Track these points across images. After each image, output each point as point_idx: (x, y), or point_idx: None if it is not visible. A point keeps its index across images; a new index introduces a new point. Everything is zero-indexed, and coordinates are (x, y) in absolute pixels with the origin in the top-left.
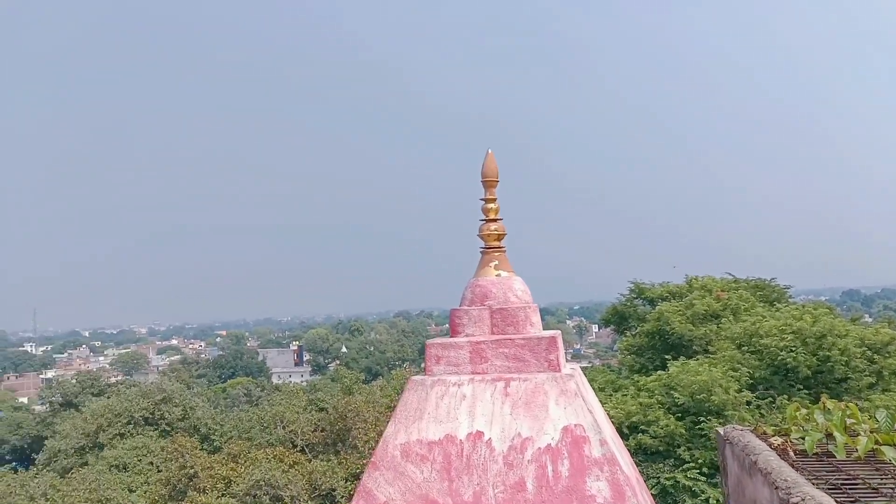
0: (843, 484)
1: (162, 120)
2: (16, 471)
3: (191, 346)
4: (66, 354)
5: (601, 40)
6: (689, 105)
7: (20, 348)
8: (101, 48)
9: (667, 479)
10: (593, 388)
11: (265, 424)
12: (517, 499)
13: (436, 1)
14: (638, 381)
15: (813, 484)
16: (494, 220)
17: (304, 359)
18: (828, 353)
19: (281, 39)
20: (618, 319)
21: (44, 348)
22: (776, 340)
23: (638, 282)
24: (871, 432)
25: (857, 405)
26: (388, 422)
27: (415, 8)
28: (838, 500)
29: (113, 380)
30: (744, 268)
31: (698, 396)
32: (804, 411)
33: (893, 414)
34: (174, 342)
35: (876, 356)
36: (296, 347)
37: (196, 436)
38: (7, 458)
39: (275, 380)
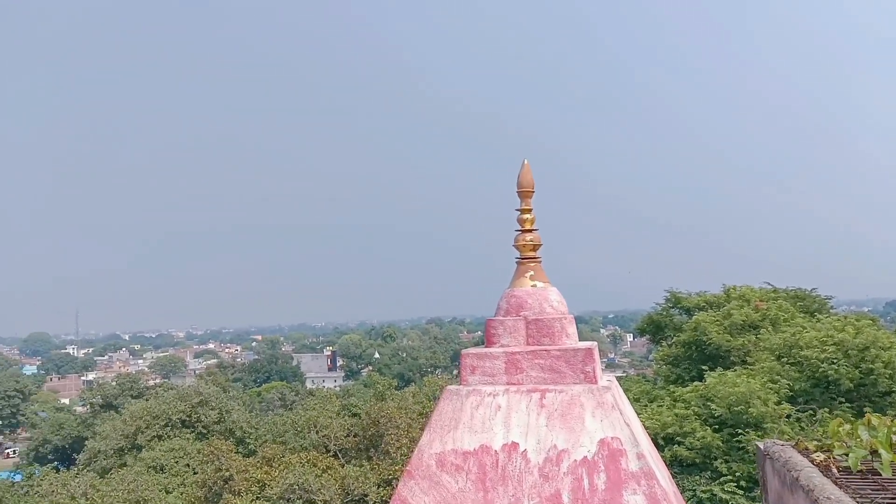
0: (889, 503)
1: (199, 126)
2: (58, 470)
3: (227, 350)
4: (106, 357)
5: (635, 52)
6: (725, 114)
7: (63, 350)
8: (142, 52)
9: (703, 491)
10: (628, 399)
11: (299, 429)
12: None
13: (481, 14)
14: (674, 392)
15: (857, 503)
16: (530, 231)
17: (338, 364)
18: (871, 366)
19: (328, 48)
20: (653, 329)
21: (85, 351)
22: (817, 352)
23: (674, 291)
24: None
25: None
26: (420, 429)
27: (458, 19)
28: None
29: (151, 382)
30: (783, 278)
31: (736, 408)
32: (847, 426)
33: None
34: (211, 346)
35: None
36: (329, 353)
37: (231, 439)
38: (49, 457)
39: (308, 384)
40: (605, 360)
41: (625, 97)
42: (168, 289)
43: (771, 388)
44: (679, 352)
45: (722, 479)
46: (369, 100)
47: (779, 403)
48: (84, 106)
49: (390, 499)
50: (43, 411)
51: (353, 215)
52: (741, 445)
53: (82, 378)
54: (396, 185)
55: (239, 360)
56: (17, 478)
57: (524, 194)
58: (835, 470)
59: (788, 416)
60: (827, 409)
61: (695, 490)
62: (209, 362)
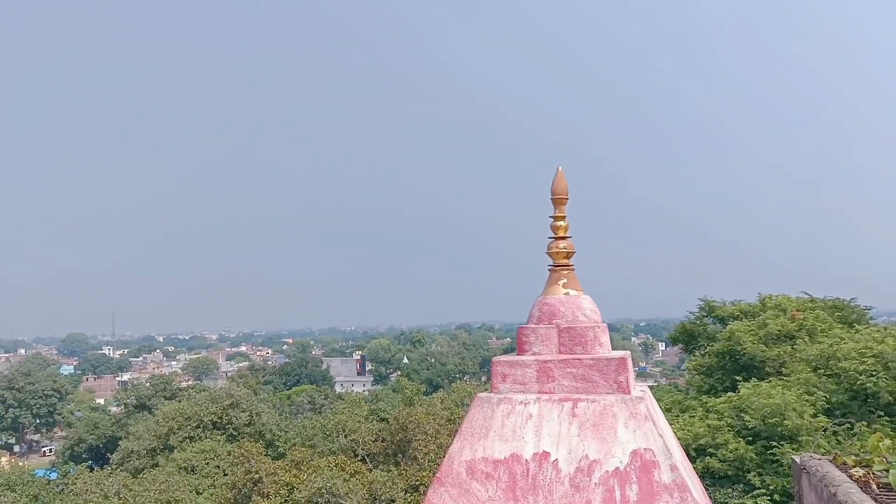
0: None
1: (234, 134)
2: (92, 469)
3: (259, 353)
4: (141, 358)
5: (670, 56)
6: (763, 119)
7: (99, 351)
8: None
9: None
10: (660, 409)
11: (328, 432)
12: None
13: (513, 19)
14: (706, 403)
15: None
16: (563, 238)
17: (367, 368)
18: None
19: (356, 53)
20: (686, 338)
21: (121, 352)
22: (855, 364)
23: (708, 299)
24: None
25: None
26: (448, 435)
27: (490, 25)
28: None
29: (184, 384)
30: (821, 287)
31: (770, 420)
32: (888, 441)
33: None
34: (243, 349)
35: None
36: (359, 357)
37: (261, 441)
38: (84, 456)
39: (338, 388)
40: (637, 369)
41: (659, 102)
42: (202, 292)
43: (807, 401)
44: (712, 362)
45: (755, 493)
46: (402, 105)
47: (815, 416)
48: (98, 105)
49: None
50: (79, 411)
51: (384, 221)
52: (775, 458)
53: (117, 379)
54: (428, 192)
55: (270, 363)
56: (53, 476)
57: (558, 201)
58: (874, 486)
59: (825, 430)
60: (865, 423)
61: (727, 503)
62: (241, 365)
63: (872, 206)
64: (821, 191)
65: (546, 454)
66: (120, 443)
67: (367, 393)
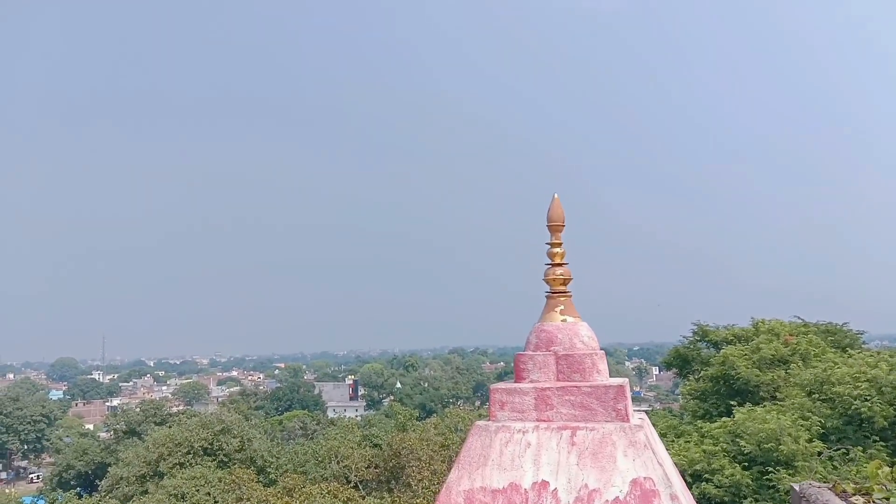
0: None
1: (233, 158)
2: (80, 496)
3: (250, 377)
4: (131, 383)
5: (661, 84)
6: (756, 140)
7: (89, 376)
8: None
9: None
10: None
11: (320, 459)
12: None
13: (511, 46)
14: (702, 428)
15: None
16: (560, 265)
17: (359, 393)
18: None
19: (355, 70)
20: (680, 362)
21: (111, 377)
22: (850, 388)
23: (702, 324)
24: None
25: None
26: (442, 461)
27: (483, 44)
28: None
29: (175, 409)
30: (814, 312)
31: (766, 445)
32: (887, 469)
33: None
34: (234, 374)
35: None
36: (351, 382)
37: (252, 468)
38: (72, 483)
39: (330, 413)
40: (631, 393)
41: (651, 125)
42: (192, 316)
43: (802, 425)
44: (706, 386)
45: None
46: (391, 125)
47: (810, 441)
48: (91, 120)
49: None
50: (67, 437)
51: (375, 245)
52: (771, 484)
53: (107, 404)
54: (421, 216)
55: (261, 387)
56: (41, 503)
57: (554, 228)
58: None
59: (820, 455)
60: (860, 448)
61: None
62: (232, 389)
63: (864, 230)
64: (812, 214)
65: (545, 483)
66: (109, 469)
67: (359, 418)
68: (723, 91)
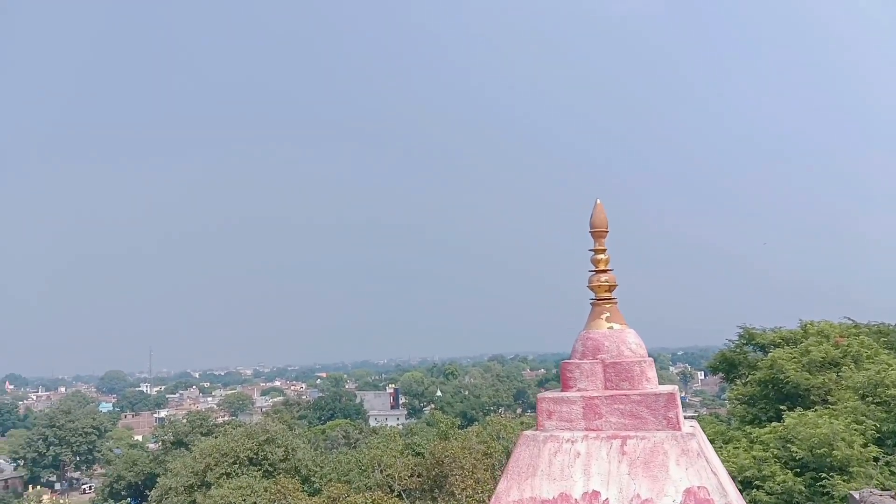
0: None
1: (275, 172)
2: None
3: (293, 387)
4: (177, 395)
5: (703, 82)
6: (794, 140)
7: (137, 388)
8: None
9: None
10: None
11: (363, 467)
12: None
13: (550, 49)
14: (750, 433)
15: None
16: (605, 271)
17: (400, 402)
18: None
19: (399, 83)
20: (726, 366)
21: (158, 388)
22: None
23: (748, 327)
24: None
25: None
26: (485, 469)
27: (527, 52)
28: None
29: (220, 420)
30: (864, 312)
31: (819, 451)
32: None
33: None
34: (277, 384)
35: None
36: (392, 390)
37: (297, 477)
38: (123, 493)
39: (371, 422)
40: None
41: (692, 125)
42: (236, 327)
43: (856, 430)
44: (754, 391)
45: None
46: (434, 133)
47: (865, 446)
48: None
49: None
50: (118, 448)
51: (413, 253)
52: (825, 490)
53: (155, 415)
54: (460, 222)
55: (304, 397)
56: None
57: (597, 234)
58: None
59: (876, 460)
60: None
61: None
62: (275, 400)
63: None
64: (860, 212)
65: (596, 493)
66: (158, 480)
67: (401, 427)
68: (762, 95)
